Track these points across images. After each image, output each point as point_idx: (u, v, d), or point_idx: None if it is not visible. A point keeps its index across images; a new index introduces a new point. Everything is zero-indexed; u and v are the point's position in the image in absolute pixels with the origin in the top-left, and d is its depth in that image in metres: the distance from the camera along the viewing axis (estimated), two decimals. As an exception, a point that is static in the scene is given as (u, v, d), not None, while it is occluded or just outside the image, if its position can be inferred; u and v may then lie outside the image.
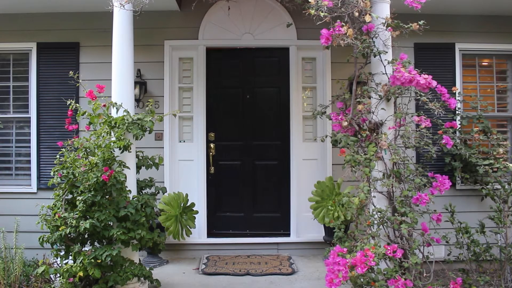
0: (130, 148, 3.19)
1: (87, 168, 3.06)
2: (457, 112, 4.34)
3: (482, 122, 4.28)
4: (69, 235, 3.02)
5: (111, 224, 3.09)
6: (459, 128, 4.31)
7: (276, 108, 4.81)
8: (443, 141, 3.03)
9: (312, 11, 2.87)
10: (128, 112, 3.22)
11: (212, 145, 4.69)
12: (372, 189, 2.93)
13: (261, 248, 4.56)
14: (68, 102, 3.28)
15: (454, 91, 3.98)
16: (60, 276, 3.06)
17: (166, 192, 4.10)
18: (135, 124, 3.16)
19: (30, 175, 4.52)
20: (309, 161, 4.70)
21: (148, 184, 3.61)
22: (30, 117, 4.52)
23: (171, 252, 4.42)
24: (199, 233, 4.56)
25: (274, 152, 4.80)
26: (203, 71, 4.62)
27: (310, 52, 4.71)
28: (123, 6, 3.18)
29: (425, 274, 2.79)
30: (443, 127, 3.30)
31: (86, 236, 3.18)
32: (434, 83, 2.86)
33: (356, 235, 3.04)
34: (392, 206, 2.95)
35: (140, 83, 4.43)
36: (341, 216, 3.97)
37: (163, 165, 4.47)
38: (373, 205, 2.92)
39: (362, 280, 2.72)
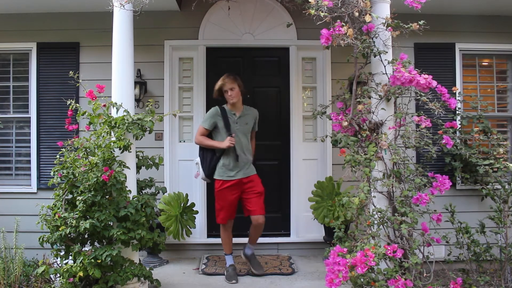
0: (130, 148, 3.19)
1: (87, 168, 3.06)
2: (457, 112, 4.34)
3: (482, 122, 4.28)
4: (69, 235, 3.02)
5: (111, 224, 3.09)
6: (459, 128, 4.31)
7: (276, 108, 4.81)
8: (443, 141, 3.03)
9: (312, 11, 2.87)
10: (128, 112, 3.22)
11: (212, 145, 4.68)
12: (372, 189, 2.93)
13: (261, 248, 4.56)
14: (68, 102, 3.28)
15: (454, 91, 3.98)
16: (60, 276, 3.06)
17: (166, 192, 4.10)
18: (135, 124, 3.16)
19: (30, 175, 4.52)
20: (309, 161, 4.70)
21: (148, 184, 3.61)
22: (30, 117, 4.52)
23: (171, 252, 4.42)
24: (199, 233, 4.57)
25: (274, 152, 4.80)
26: (203, 71, 4.62)
27: (310, 52, 4.71)
28: (123, 6, 3.18)
29: (425, 274, 2.79)
30: (443, 127, 3.30)
31: (86, 236, 3.18)
32: (434, 83, 2.85)
33: (356, 235, 3.04)
34: (392, 206, 2.95)
35: (140, 83, 4.43)
36: (341, 216, 3.96)
37: (163, 165, 4.47)
38: (373, 205, 2.92)
39: (362, 280, 2.72)
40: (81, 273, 2.93)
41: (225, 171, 3.80)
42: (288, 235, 4.65)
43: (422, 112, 3.29)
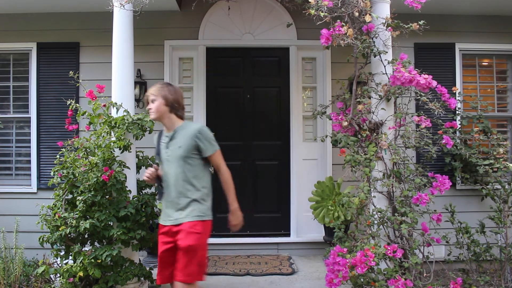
0: (130, 148, 3.19)
1: (87, 168, 3.06)
2: (457, 112, 4.34)
3: (482, 122, 4.29)
4: (69, 235, 3.02)
5: (111, 224, 3.09)
6: (459, 128, 4.31)
7: (276, 108, 4.81)
8: (443, 141, 3.04)
9: (312, 11, 2.87)
10: (128, 112, 3.22)
11: (212, 145, 4.67)
12: (372, 189, 2.93)
13: (261, 248, 4.56)
14: (68, 102, 3.28)
15: (454, 91, 3.98)
16: (60, 276, 3.06)
17: (166, 192, 4.10)
18: (135, 124, 3.16)
19: (30, 175, 4.51)
20: (309, 161, 4.70)
21: (148, 184, 3.60)
22: (30, 117, 4.52)
23: (171, 252, 4.41)
24: (199, 233, 4.56)
25: (274, 152, 4.80)
26: (203, 71, 4.62)
27: (310, 52, 4.72)
28: (123, 6, 3.18)
29: (425, 274, 2.79)
30: (443, 127, 3.30)
31: (86, 236, 3.18)
32: (434, 83, 2.86)
33: (356, 235, 3.04)
34: (392, 206, 2.96)
35: (140, 83, 4.43)
36: (341, 216, 3.97)
37: (163, 165, 4.46)
38: (373, 205, 2.92)
39: (362, 280, 2.72)
40: (81, 273, 2.94)
41: (162, 211, 2.69)
42: (288, 235, 4.65)
43: (422, 112, 3.29)
